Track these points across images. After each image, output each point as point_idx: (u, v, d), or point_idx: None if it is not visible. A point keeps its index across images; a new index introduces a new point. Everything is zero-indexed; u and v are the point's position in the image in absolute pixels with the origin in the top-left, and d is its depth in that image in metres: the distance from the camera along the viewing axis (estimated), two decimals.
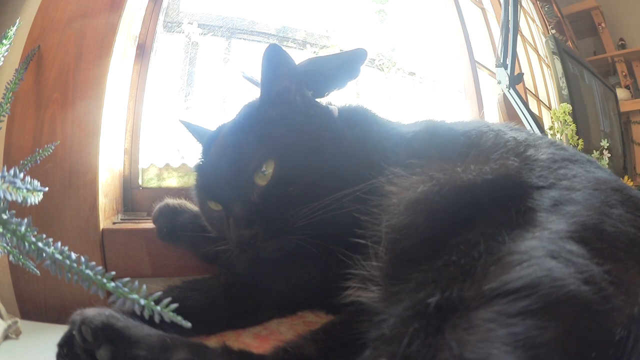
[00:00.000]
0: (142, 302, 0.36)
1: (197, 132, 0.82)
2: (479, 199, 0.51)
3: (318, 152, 0.67)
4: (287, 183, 0.65)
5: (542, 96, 2.28)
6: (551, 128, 1.76)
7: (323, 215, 0.63)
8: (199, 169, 0.75)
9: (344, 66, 0.76)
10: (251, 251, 0.65)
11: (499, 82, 1.53)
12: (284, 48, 0.69)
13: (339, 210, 0.62)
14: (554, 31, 2.60)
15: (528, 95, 2.02)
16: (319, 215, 0.63)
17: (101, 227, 0.92)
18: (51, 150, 0.82)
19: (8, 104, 0.79)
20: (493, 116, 1.74)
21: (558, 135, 1.75)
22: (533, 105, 2.09)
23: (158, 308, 0.36)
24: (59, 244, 0.36)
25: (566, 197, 0.50)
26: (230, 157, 0.68)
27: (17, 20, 0.80)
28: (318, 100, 0.77)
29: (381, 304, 0.49)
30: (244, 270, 0.72)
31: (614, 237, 0.45)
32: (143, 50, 1.21)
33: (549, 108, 2.22)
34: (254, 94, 0.72)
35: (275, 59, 0.69)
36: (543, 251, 0.40)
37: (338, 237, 0.62)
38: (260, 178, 0.65)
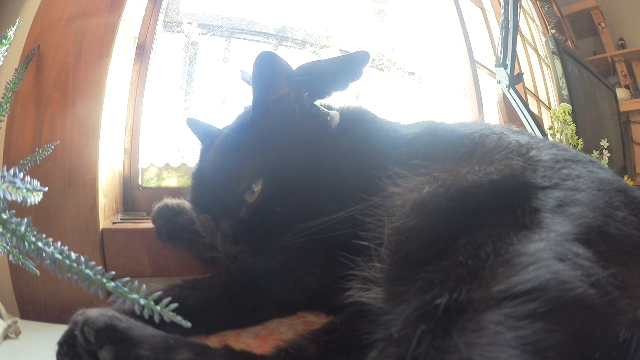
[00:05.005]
0: (142, 302, 0.36)
1: (201, 131, 0.81)
2: (485, 200, 0.50)
3: (313, 168, 0.66)
4: (275, 202, 0.64)
5: (542, 96, 2.27)
6: (551, 128, 1.75)
7: (312, 237, 0.63)
8: (194, 177, 0.75)
9: (345, 68, 0.75)
10: (240, 265, 0.66)
11: (499, 82, 1.52)
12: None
13: (328, 233, 0.62)
14: (554, 31, 2.60)
15: (528, 95, 2.02)
16: (308, 237, 0.63)
17: (101, 227, 0.92)
18: (51, 150, 0.82)
19: (8, 104, 0.79)
20: (493, 116, 1.74)
21: (558, 135, 1.75)
22: (533, 105, 2.09)
23: (158, 308, 0.36)
24: (59, 244, 0.36)
25: (571, 198, 0.50)
26: (221, 175, 0.67)
27: (17, 20, 0.80)
28: (318, 101, 0.76)
29: (386, 305, 0.48)
30: (241, 273, 0.72)
31: (618, 240, 0.45)
32: (143, 50, 1.21)
33: (549, 108, 2.22)
34: None
35: (270, 68, 0.67)
36: (551, 253, 0.40)
37: (338, 241, 0.62)
38: (249, 196, 0.65)
